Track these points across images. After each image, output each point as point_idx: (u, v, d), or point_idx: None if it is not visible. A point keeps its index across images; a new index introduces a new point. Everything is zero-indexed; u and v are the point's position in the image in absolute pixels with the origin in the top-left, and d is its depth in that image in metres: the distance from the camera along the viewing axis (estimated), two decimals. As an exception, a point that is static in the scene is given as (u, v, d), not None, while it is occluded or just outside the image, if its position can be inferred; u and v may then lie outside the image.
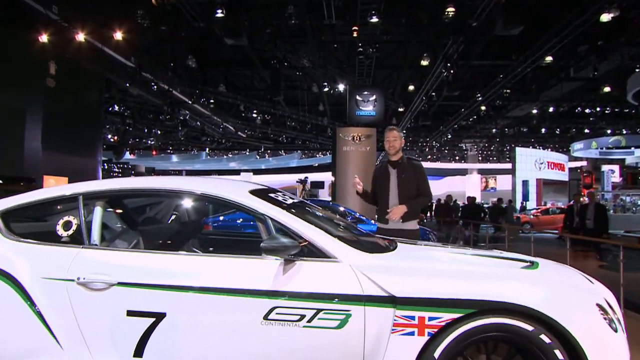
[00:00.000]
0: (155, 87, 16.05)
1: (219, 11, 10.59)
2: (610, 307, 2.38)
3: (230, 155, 41.58)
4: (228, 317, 2.32)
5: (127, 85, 14.90)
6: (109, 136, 25.37)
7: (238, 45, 12.42)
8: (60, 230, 2.66)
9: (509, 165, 32.54)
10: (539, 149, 32.53)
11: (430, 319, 2.19)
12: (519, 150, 29.81)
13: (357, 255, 2.44)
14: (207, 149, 36.00)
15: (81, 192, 2.76)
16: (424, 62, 14.00)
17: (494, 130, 26.85)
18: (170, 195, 3.12)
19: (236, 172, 45.93)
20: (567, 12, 10.77)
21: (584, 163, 34.30)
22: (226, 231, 6.19)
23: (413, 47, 14.52)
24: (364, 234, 3.15)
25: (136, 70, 14.00)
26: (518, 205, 25.32)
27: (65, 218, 2.69)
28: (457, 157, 42.85)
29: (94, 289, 2.41)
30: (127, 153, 30.37)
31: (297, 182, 24.26)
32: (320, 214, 3.11)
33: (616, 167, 29.83)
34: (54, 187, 3.04)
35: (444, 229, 14.21)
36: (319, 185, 28.60)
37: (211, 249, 3.52)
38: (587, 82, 16.35)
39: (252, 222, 2.73)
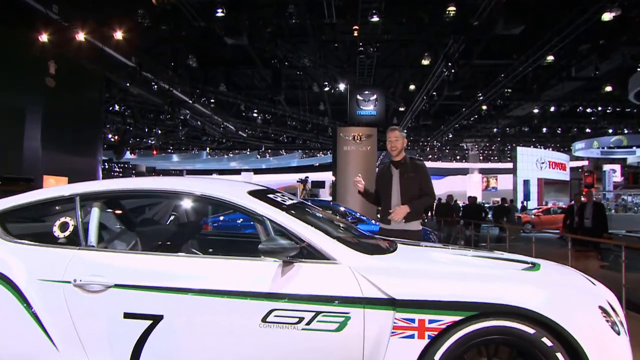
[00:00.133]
0: (155, 86, 16.04)
1: (219, 10, 10.58)
2: (613, 309, 2.36)
3: (231, 155, 41.59)
4: (226, 319, 2.30)
5: (128, 84, 14.87)
6: (110, 136, 25.38)
7: (238, 45, 12.41)
8: (56, 232, 2.63)
9: (510, 165, 32.50)
10: (540, 148, 32.49)
11: (431, 321, 2.16)
12: (520, 150, 29.77)
13: (356, 256, 2.41)
14: (208, 149, 36.00)
15: (78, 193, 2.74)
16: (425, 62, 13.97)
17: (495, 129, 26.81)
18: (167, 196, 3.10)
19: (237, 171, 45.98)
20: (568, 11, 10.74)
21: (586, 162, 34.27)
22: (226, 231, 6.17)
23: (414, 47, 14.50)
24: (364, 235, 3.12)
25: (136, 69, 13.98)
26: (518, 205, 25.28)
27: (62, 219, 2.66)
28: (458, 157, 42.79)
29: (90, 291, 2.38)
30: (128, 153, 30.38)
31: (297, 181, 24.29)
32: (320, 215, 3.09)
33: (617, 167, 29.76)
34: (51, 188, 3.02)
35: (444, 228, 14.19)
36: (320, 184, 28.60)
37: (210, 250, 3.50)
38: (589, 82, 16.31)
39: (252, 222, 2.70)
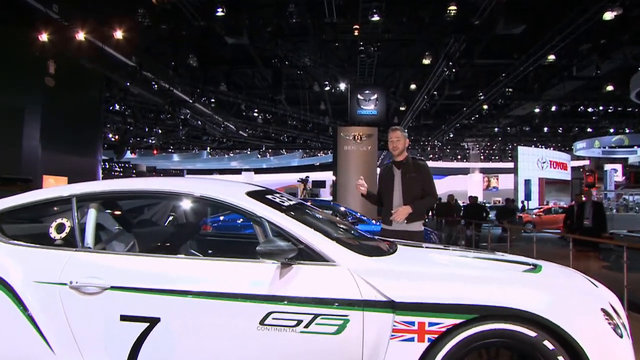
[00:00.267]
0: (156, 86, 16.01)
1: (220, 10, 10.55)
2: (615, 311, 2.33)
3: (232, 155, 41.56)
4: (223, 322, 2.27)
5: (128, 84, 14.84)
6: (110, 135, 25.35)
7: (239, 44, 12.38)
8: (53, 233, 2.61)
9: (511, 165, 32.48)
10: (542, 148, 32.44)
11: (431, 324, 2.14)
12: (521, 150, 29.74)
13: (355, 258, 2.38)
14: (208, 148, 35.99)
15: (74, 193, 2.71)
16: (426, 61, 13.93)
17: (496, 129, 26.74)
18: (165, 197, 3.08)
19: (237, 171, 46.01)
20: (569, 11, 10.69)
21: (587, 162, 34.20)
22: (226, 232, 6.15)
23: (415, 46, 14.45)
24: (364, 237, 3.10)
25: (137, 69, 13.95)
26: (519, 205, 25.26)
27: (59, 220, 2.64)
28: (459, 156, 42.74)
29: (87, 293, 2.36)
30: (128, 152, 30.38)
31: (298, 181, 24.27)
32: (319, 216, 3.06)
33: (619, 166, 29.72)
34: (47, 189, 2.99)
35: (445, 228, 14.16)
36: (321, 184, 28.60)
37: (210, 251, 3.48)
38: (590, 81, 16.25)
39: (252, 223, 2.69)
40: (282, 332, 2.21)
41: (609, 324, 2.20)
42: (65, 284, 2.38)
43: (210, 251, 3.48)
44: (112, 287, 2.34)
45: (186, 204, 3.29)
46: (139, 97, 18.11)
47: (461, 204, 19.00)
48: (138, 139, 28.31)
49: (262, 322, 2.21)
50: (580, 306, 2.26)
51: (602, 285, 2.63)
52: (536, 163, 30.01)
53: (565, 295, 2.32)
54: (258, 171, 46.54)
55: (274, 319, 2.21)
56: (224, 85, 17.51)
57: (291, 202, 2.90)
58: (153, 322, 2.29)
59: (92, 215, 2.63)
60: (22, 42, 10.85)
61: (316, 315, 2.19)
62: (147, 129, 25.39)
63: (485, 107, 19.22)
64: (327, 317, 2.19)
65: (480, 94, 17.22)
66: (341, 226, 3.13)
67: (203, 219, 5.47)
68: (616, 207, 21.03)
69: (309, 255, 2.36)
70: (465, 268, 2.64)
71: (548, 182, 30.87)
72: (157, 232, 3.32)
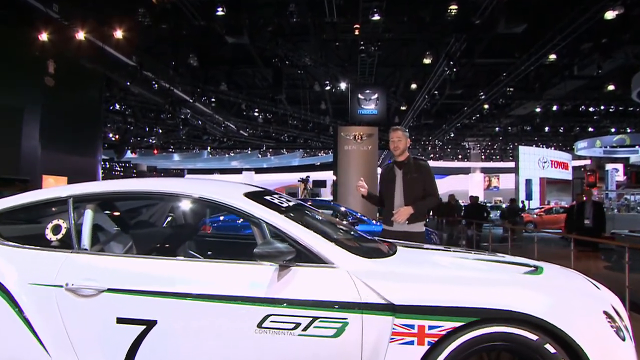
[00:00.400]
0: (156, 85, 15.99)
1: (220, 9, 10.53)
2: (618, 314, 2.30)
3: (232, 154, 41.55)
4: (220, 325, 2.25)
5: (128, 84, 14.83)
6: (110, 135, 25.35)
7: (239, 44, 12.36)
8: (49, 234, 2.59)
9: (512, 164, 32.43)
10: (543, 147, 32.38)
11: (431, 327, 2.11)
12: (522, 149, 29.69)
13: (354, 260, 2.35)
14: (209, 148, 35.99)
15: (73, 194, 2.69)
16: (427, 60, 13.90)
17: (497, 128, 26.71)
18: (163, 198, 3.05)
19: (238, 170, 46.01)
20: (570, 10, 10.65)
21: (588, 162, 34.15)
22: (226, 232, 6.13)
23: (415, 45, 14.42)
24: (363, 238, 3.07)
25: (137, 68, 13.93)
26: (519, 205, 25.20)
27: (55, 221, 2.62)
28: (459, 156, 42.69)
29: (83, 295, 2.34)
30: (129, 152, 30.38)
31: (298, 181, 24.24)
32: (318, 217, 3.04)
33: (620, 166, 29.68)
34: (46, 189, 2.97)
35: (446, 228, 14.13)
36: (321, 184, 28.57)
37: (209, 252, 3.45)
38: (591, 81, 16.21)
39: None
40: (280, 335, 2.18)
41: (611, 326, 2.17)
42: (61, 286, 2.35)
43: (209, 252, 3.46)
44: (109, 290, 2.32)
45: (184, 205, 3.27)
46: (139, 96, 18.10)
47: (462, 204, 18.98)
48: (138, 138, 28.31)
49: (260, 325, 2.19)
50: (582, 309, 2.23)
51: (604, 287, 2.60)
52: (537, 163, 29.96)
53: (567, 298, 2.29)
54: (258, 171, 46.55)
55: (272, 321, 2.19)
56: (225, 84, 17.50)
57: (290, 203, 2.87)
58: (150, 324, 2.27)
59: (89, 216, 2.61)
60: (22, 41, 10.83)
61: (314, 318, 2.16)
62: (147, 129, 25.38)
63: (486, 106, 19.19)
64: (325, 320, 2.16)
65: (481, 93, 17.18)
66: (340, 227, 3.11)
67: (202, 220, 5.44)
68: (617, 207, 20.99)
69: (307, 257, 2.33)
70: (465, 270, 2.61)
71: (549, 181, 30.81)
72: (155, 233, 3.29)
